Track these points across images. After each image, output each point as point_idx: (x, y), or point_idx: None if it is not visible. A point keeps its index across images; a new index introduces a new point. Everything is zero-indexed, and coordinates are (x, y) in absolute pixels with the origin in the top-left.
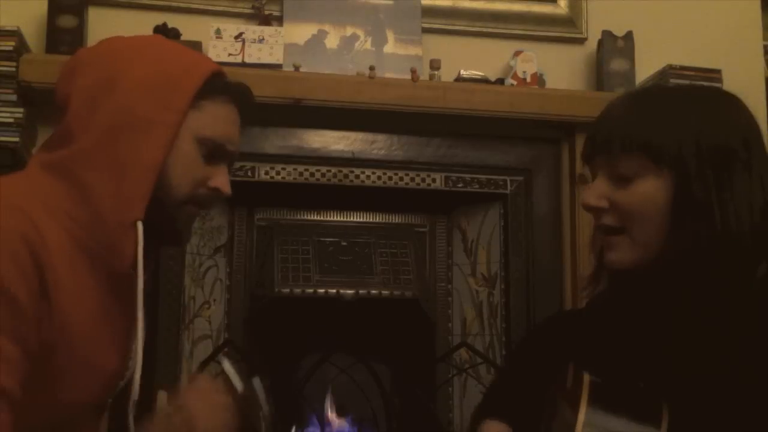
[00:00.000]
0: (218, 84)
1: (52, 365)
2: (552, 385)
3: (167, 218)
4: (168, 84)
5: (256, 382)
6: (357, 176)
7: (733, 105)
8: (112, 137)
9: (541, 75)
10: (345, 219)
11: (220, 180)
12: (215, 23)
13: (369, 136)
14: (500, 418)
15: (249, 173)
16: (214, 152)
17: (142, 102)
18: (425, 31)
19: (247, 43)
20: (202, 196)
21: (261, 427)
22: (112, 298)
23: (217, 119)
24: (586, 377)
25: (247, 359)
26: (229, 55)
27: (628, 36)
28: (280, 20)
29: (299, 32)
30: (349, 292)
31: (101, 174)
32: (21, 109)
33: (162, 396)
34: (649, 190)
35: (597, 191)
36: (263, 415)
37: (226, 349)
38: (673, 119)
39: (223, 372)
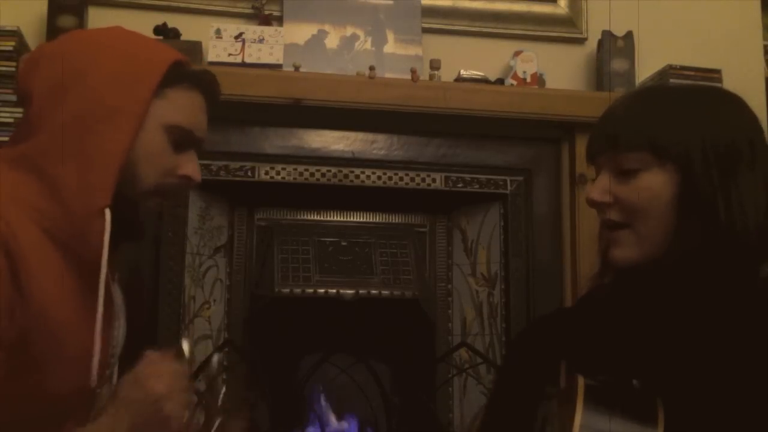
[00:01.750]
0: (181, 72)
1: (30, 355)
2: (545, 386)
3: (131, 210)
4: (132, 74)
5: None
6: (357, 176)
7: (737, 105)
8: (77, 128)
9: (541, 75)
10: (345, 219)
11: (190, 167)
12: (215, 23)
13: (369, 136)
14: None
15: (249, 173)
16: (182, 140)
17: (106, 92)
18: (425, 31)
19: (247, 43)
20: (170, 185)
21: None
22: (87, 286)
23: (182, 106)
24: (581, 380)
25: (247, 359)
26: (229, 55)
27: (628, 36)
28: (280, 20)
29: (299, 32)
30: (349, 292)
31: (66, 165)
32: (21, 110)
33: None
34: (654, 185)
35: (601, 186)
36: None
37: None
38: (679, 117)
39: (180, 349)
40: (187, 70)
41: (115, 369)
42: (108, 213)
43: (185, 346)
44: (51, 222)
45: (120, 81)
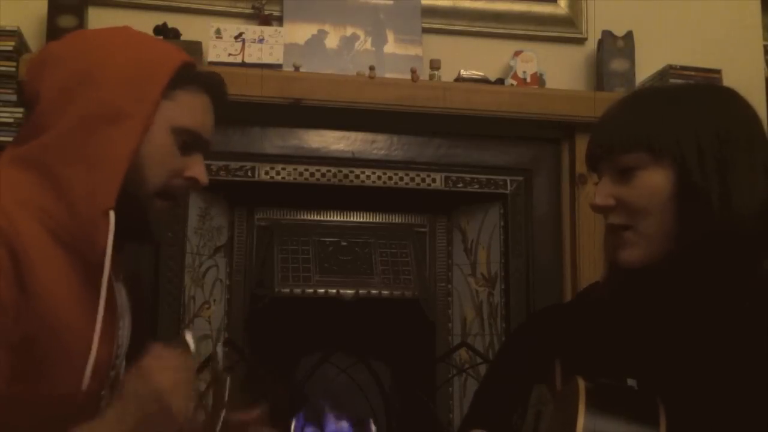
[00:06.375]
0: (189, 74)
1: (36, 357)
2: (538, 382)
3: (138, 212)
4: (140, 75)
5: (219, 348)
6: (357, 176)
7: (729, 97)
8: (85, 128)
9: (541, 75)
10: (345, 219)
11: (197, 170)
12: (215, 23)
13: (369, 136)
14: (486, 427)
15: (249, 173)
16: (189, 142)
17: (114, 94)
18: (425, 31)
19: (247, 43)
20: (177, 187)
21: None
22: (91, 287)
23: (190, 109)
24: (581, 382)
25: (247, 359)
26: (229, 55)
27: (628, 36)
28: (280, 20)
29: (299, 32)
30: (349, 292)
31: (73, 165)
32: (21, 109)
33: None
34: (652, 183)
35: (603, 191)
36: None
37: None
38: (670, 113)
39: (184, 343)
40: (195, 72)
41: (122, 369)
42: (112, 215)
43: (189, 338)
44: (56, 222)
45: (128, 82)
